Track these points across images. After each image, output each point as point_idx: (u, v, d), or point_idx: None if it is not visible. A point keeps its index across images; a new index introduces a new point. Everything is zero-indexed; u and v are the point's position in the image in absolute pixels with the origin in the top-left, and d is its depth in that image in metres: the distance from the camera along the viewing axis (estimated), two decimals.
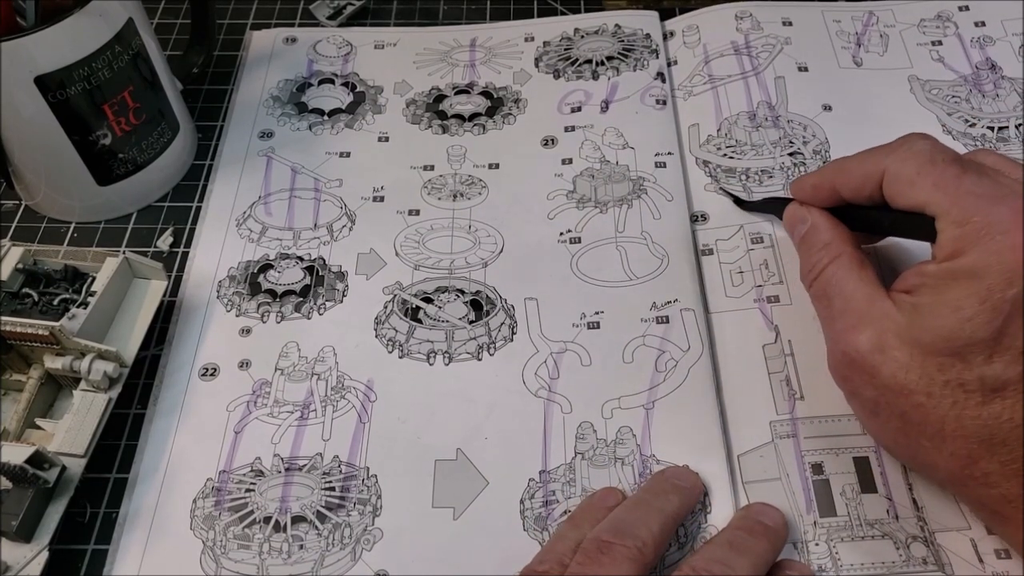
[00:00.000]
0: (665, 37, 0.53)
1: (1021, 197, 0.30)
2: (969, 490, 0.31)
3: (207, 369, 0.40)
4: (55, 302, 0.39)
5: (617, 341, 0.40)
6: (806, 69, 0.50)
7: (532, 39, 0.54)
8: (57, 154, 0.42)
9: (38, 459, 0.33)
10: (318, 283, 0.43)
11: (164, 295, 0.41)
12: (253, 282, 0.43)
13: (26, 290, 0.39)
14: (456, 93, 0.51)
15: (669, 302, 0.41)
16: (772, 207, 0.42)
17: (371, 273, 0.43)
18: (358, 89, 0.52)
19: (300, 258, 0.44)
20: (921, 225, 0.31)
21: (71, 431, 0.35)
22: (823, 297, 0.34)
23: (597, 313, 0.41)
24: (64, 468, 0.34)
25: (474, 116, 0.50)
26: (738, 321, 0.40)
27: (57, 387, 0.39)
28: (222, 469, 0.37)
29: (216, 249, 0.44)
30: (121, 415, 0.39)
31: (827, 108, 0.48)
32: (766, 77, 0.50)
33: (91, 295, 0.38)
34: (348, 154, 0.49)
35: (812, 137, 0.47)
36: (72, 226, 0.46)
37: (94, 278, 0.39)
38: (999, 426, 0.29)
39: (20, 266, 0.39)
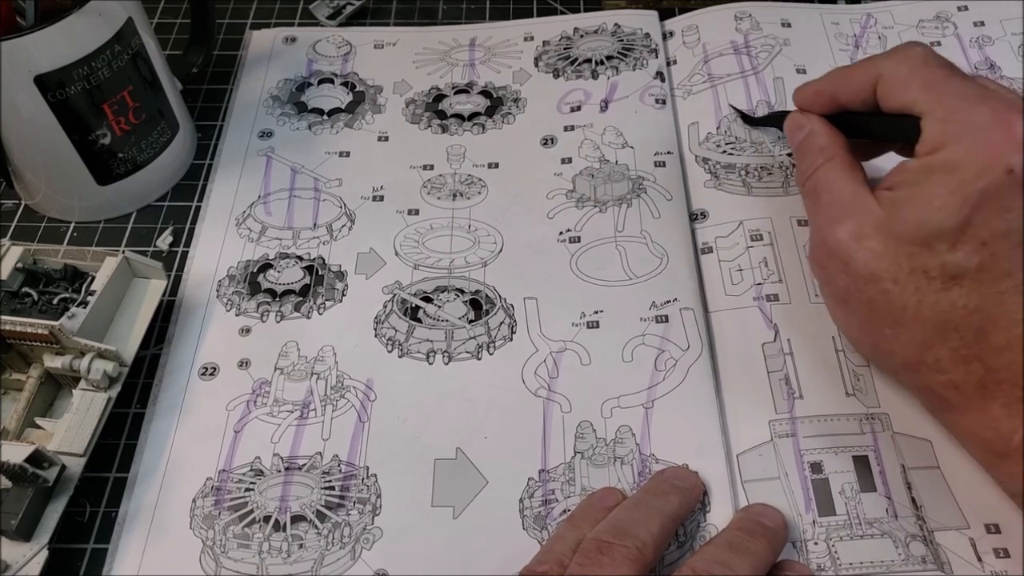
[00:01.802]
0: (664, 37, 0.53)
1: (1004, 99, 0.31)
2: (921, 376, 0.33)
3: (207, 368, 0.40)
4: (55, 301, 0.39)
5: (617, 340, 0.40)
6: (804, 71, 0.50)
7: (531, 38, 0.54)
8: (57, 154, 0.42)
9: (38, 458, 0.33)
10: (318, 283, 0.43)
11: (164, 294, 0.41)
12: (253, 281, 0.43)
13: (26, 289, 0.39)
14: (456, 93, 0.51)
15: (668, 301, 0.41)
16: (775, 121, 0.45)
17: (371, 273, 0.43)
18: (358, 89, 0.52)
19: (300, 257, 0.44)
20: (907, 126, 0.33)
21: (71, 430, 0.35)
22: (813, 194, 0.36)
23: (597, 312, 0.41)
24: (64, 467, 0.34)
25: (474, 116, 0.50)
26: (737, 320, 0.40)
27: (57, 386, 0.39)
28: (222, 468, 0.37)
29: (216, 249, 0.44)
30: (121, 414, 0.39)
31: None
32: (765, 77, 0.50)
33: (91, 294, 0.38)
34: (348, 154, 0.49)
35: None
36: (72, 225, 0.46)
37: (94, 277, 0.39)
38: (954, 312, 0.31)
39: (20, 265, 0.39)
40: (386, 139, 0.49)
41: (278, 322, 0.42)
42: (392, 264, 0.44)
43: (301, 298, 0.42)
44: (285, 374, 0.40)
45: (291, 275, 0.43)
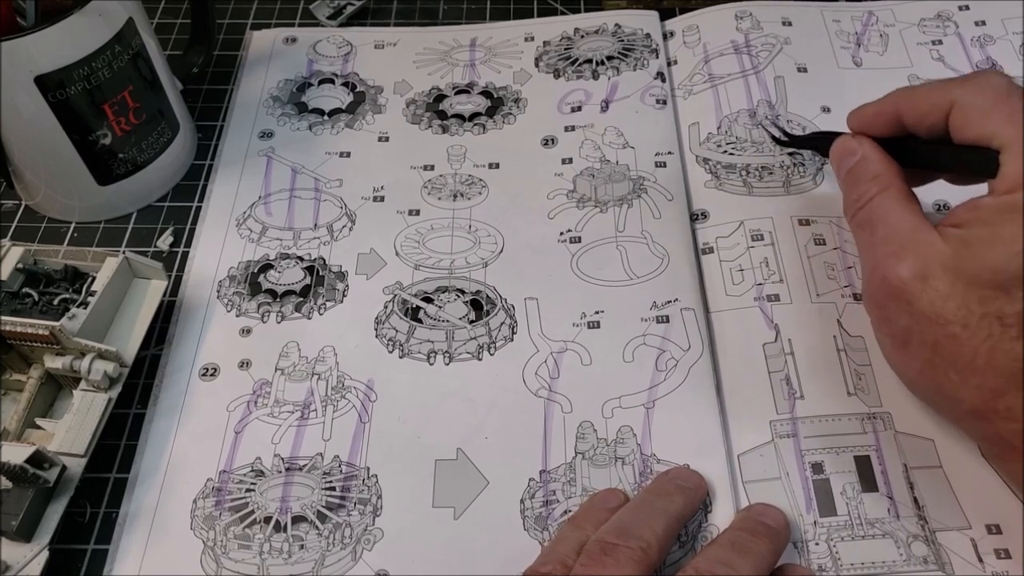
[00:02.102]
0: (665, 37, 0.53)
1: None
2: (990, 424, 0.31)
3: (207, 369, 0.40)
4: (55, 302, 0.39)
5: (617, 340, 0.40)
6: (805, 70, 0.50)
7: (532, 39, 0.54)
8: (57, 154, 0.42)
9: (38, 459, 0.33)
10: (318, 283, 0.43)
11: (164, 295, 0.40)
12: (253, 282, 0.43)
13: (26, 290, 0.39)
14: (456, 93, 0.51)
15: (669, 301, 0.41)
16: (818, 143, 0.41)
17: (371, 273, 0.43)
18: (358, 89, 0.52)
19: (300, 258, 0.44)
20: (983, 159, 0.31)
21: (71, 431, 0.35)
22: (866, 225, 0.34)
23: (597, 312, 0.41)
24: (64, 468, 0.34)
25: (474, 116, 0.50)
26: (738, 320, 0.40)
27: (57, 387, 0.39)
28: (222, 469, 0.37)
29: (216, 249, 0.44)
30: (121, 415, 0.39)
31: (826, 110, 0.48)
32: (766, 76, 0.50)
33: (91, 295, 0.38)
34: (348, 154, 0.49)
35: None
36: (72, 226, 0.46)
37: (94, 278, 0.39)
38: None
39: (20, 266, 0.39)
40: (387, 139, 0.49)
41: (279, 323, 0.42)
42: (393, 264, 0.44)
43: (302, 298, 0.42)
44: (286, 375, 0.40)
45: (292, 275, 0.43)
